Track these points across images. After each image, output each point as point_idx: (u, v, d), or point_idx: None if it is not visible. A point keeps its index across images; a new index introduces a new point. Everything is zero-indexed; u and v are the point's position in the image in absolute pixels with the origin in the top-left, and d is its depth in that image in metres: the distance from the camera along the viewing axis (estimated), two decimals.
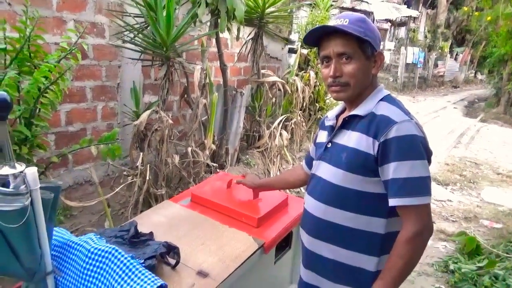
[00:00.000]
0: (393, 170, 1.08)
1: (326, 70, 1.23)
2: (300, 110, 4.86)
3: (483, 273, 2.87)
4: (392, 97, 1.25)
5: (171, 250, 1.44)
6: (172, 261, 1.45)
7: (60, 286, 1.22)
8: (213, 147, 3.25)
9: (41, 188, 1.14)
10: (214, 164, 3.20)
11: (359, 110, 1.21)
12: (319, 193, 1.24)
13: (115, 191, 2.51)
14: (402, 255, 1.08)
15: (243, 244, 1.62)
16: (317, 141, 1.39)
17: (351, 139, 1.18)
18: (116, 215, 2.91)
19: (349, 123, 1.23)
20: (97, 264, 1.15)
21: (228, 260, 1.52)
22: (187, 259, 1.50)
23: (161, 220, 1.77)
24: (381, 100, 1.22)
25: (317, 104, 5.25)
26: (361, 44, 1.19)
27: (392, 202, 1.09)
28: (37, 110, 1.94)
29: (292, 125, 4.67)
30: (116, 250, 1.16)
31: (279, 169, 4.16)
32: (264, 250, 1.64)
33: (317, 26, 1.23)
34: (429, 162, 1.17)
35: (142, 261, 1.32)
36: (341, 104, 1.38)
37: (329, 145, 1.26)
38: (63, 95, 2.59)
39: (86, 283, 1.15)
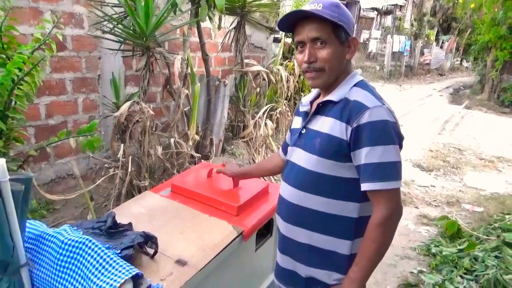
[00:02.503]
0: (365, 155, 1.10)
1: (301, 55, 1.23)
2: (285, 99, 4.87)
3: (464, 255, 2.94)
4: (366, 83, 1.26)
5: (149, 239, 1.44)
6: (151, 251, 1.46)
7: (35, 278, 1.22)
8: (197, 137, 3.24)
9: (11, 180, 1.13)
10: (198, 155, 3.20)
11: (333, 96, 1.22)
12: (294, 179, 1.25)
13: (97, 183, 2.49)
14: (374, 239, 1.10)
15: (223, 232, 1.63)
16: (292, 127, 1.40)
17: (325, 124, 1.19)
18: (99, 208, 2.89)
19: (322, 108, 1.24)
20: (71, 255, 1.15)
21: (207, 249, 1.52)
22: (166, 248, 1.50)
23: (141, 211, 1.77)
24: (354, 85, 1.23)
25: (302, 94, 5.25)
26: (335, 29, 1.19)
27: (364, 186, 1.11)
28: (12, 103, 1.91)
29: (277, 115, 4.68)
30: (90, 241, 1.16)
31: (264, 159, 4.17)
32: (243, 238, 1.65)
33: (291, 11, 1.23)
34: (401, 147, 1.18)
35: (119, 251, 1.32)
36: (315, 90, 1.38)
37: (303, 131, 1.27)
38: (41, 87, 2.55)
39: (61, 274, 1.15)
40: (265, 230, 1.92)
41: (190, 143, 3.14)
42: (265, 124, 4.25)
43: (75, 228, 1.45)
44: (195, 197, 1.86)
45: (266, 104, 4.49)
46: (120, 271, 1.12)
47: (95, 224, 1.50)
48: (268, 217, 1.85)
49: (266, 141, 4.30)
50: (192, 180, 1.99)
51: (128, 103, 2.67)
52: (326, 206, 1.17)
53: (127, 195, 2.81)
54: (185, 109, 3.29)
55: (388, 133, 1.13)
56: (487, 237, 3.17)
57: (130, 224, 1.60)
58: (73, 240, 1.16)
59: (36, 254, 1.23)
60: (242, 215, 1.77)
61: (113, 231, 1.46)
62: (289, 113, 4.89)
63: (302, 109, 1.36)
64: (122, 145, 2.58)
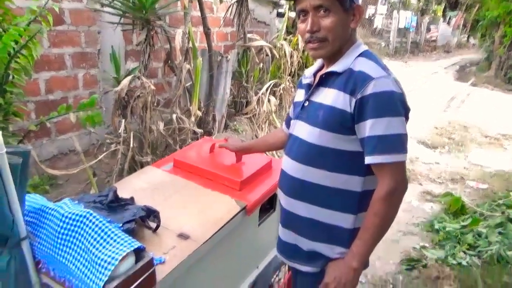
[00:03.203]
0: (369, 127, 1.06)
1: (303, 25, 1.18)
2: (289, 75, 4.79)
3: (467, 231, 2.94)
4: (371, 52, 1.21)
5: (151, 213, 1.43)
6: (153, 225, 1.45)
7: (37, 251, 1.21)
8: (199, 113, 3.21)
9: (9, 153, 1.10)
10: (200, 131, 3.17)
11: (337, 67, 1.17)
12: (296, 153, 1.21)
13: (99, 159, 2.47)
14: (377, 213, 1.07)
15: (225, 206, 1.61)
16: (295, 100, 1.36)
17: (328, 96, 1.14)
18: (102, 183, 2.89)
19: (326, 80, 1.19)
20: (72, 228, 1.13)
21: (209, 223, 1.51)
22: (168, 222, 1.49)
23: (143, 185, 1.75)
24: (359, 55, 1.18)
25: (306, 69, 5.16)
26: None
27: (368, 160, 1.08)
28: (10, 77, 1.87)
29: (281, 91, 4.61)
30: (91, 214, 1.14)
31: (267, 134, 4.13)
32: (246, 212, 1.63)
33: None
34: (407, 119, 1.14)
35: (121, 225, 1.30)
36: (319, 61, 1.33)
37: (306, 103, 1.23)
38: (40, 62, 2.51)
39: (62, 247, 1.13)
40: (268, 205, 1.91)
41: (192, 119, 3.11)
42: (268, 100, 4.20)
43: (76, 202, 1.44)
44: (197, 172, 1.84)
45: (269, 80, 4.42)
46: (122, 244, 1.11)
47: (97, 198, 1.49)
48: (271, 192, 1.83)
49: (269, 117, 4.25)
50: (195, 155, 1.96)
51: (128, 78, 2.63)
52: (329, 180, 1.14)
53: (129, 170, 2.80)
54: (187, 85, 3.24)
55: (394, 104, 1.09)
56: (491, 214, 3.16)
57: (132, 198, 1.58)
58: (73, 214, 1.15)
59: (37, 227, 1.21)
60: (245, 190, 1.74)
61: (114, 205, 1.44)
62: (293, 89, 4.82)
63: (305, 81, 1.31)
64: (124, 120, 2.55)
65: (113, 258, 1.07)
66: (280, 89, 4.60)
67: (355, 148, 1.11)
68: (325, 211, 1.16)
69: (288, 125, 1.43)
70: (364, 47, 1.20)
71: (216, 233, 1.46)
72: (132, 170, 2.83)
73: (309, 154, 1.16)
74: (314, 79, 1.28)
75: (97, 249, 1.09)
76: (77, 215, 1.15)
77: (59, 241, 1.14)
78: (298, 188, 1.20)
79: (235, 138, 1.77)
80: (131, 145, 2.58)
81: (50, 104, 2.94)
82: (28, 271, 1.21)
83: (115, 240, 1.12)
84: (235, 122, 3.99)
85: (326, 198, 1.16)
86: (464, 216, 3.22)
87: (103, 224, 1.13)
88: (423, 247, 2.88)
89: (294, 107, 1.33)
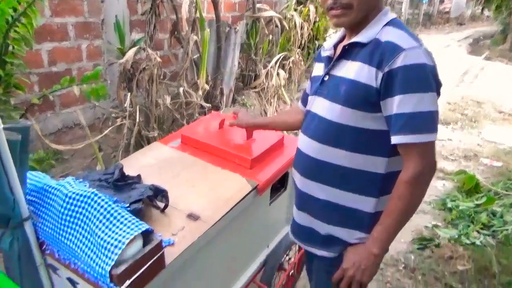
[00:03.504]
0: (397, 104, 0.96)
1: None
2: (299, 48, 4.63)
3: (481, 210, 2.87)
4: (399, 21, 1.09)
5: (159, 193, 1.36)
6: (161, 205, 1.39)
7: (40, 232, 1.15)
8: (207, 87, 3.10)
9: (7, 129, 1.03)
10: (208, 105, 3.07)
11: (361, 37, 1.06)
12: (314, 131, 1.12)
13: (104, 134, 2.40)
14: (402, 196, 0.99)
15: (236, 186, 1.54)
16: (313, 74, 1.26)
17: (351, 70, 1.04)
18: (108, 158, 2.83)
19: (349, 52, 1.08)
20: (76, 209, 1.07)
21: (220, 202, 1.45)
22: (177, 202, 1.43)
23: (150, 162, 1.68)
24: (386, 24, 1.06)
25: (316, 42, 4.99)
26: None
27: (395, 139, 0.98)
28: (10, 47, 1.77)
29: (290, 64, 4.47)
30: (96, 195, 1.07)
31: (276, 110, 4.03)
32: (257, 192, 1.57)
33: None
34: (438, 94, 1.04)
35: (127, 205, 1.24)
36: (340, 32, 1.22)
37: (326, 78, 1.13)
38: (42, 32, 2.40)
39: (66, 229, 1.07)
40: (279, 184, 1.84)
41: (200, 92, 3.01)
42: (277, 73, 4.07)
43: (81, 180, 1.37)
44: (206, 148, 1.77)
45: (279, 53, 4.27)
46: (129, 227, 1.04)
47: (102, 176, 1.42)
48: (283, 171, 1.76)
49: (278, 91, 4.13)
50: (203, 131, 1.88)
51: (133, 49, 2.52)
52: (350, 160, 1.06)
53: (135, 145, 2.73)
54: (194, 57, 3.13)
55: (426, 78, 0.99)
56: (506, 192, 3.08)
57: (138, 176, 1.52)
58: (77, 194, 1.08)
59: (40, 207, 1.16)
60: (256, 168, 1.67)
61: (120, 183, 1.37)
62: (302, 63, 4.67)
63: (324, 53, 1.20)
64: (129, 94, 2.46)
65: (119, 241, 1.01)
66: (289, 62, 4.46)
67: (379, 126, 1.02)
68: (344, 193, 1.08)
69: (304, 103, 1.33)
70: (392, 15, 1.09)
71: (226, 214, 1.40)
72: (138, 145, 2.76)
73: (328, 133, 1.07)
74: (335, 52, 1.17)
75: (103, 231, 1.03)
76: (80, 195, 1.08)
77: (62, 222, 1.08)
78: (315, 169, 1.12)
79: (246, 112, 1.67)
80: (137, 120, 2.50)
81: (54, 76, 2.84)
82: (32, 252, 1.16)
83: (121, 222, 1.05)
84: (243, 96, 3.88)
85: (346, 180, 1.08)
86: (478, 194, 3.14)
87: (109, 205, 1.07)
88: (435, 226, 2.82)
89: (312, 82, 1.23)
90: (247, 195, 1.50)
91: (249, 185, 1.54)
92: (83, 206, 1.07)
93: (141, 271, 1.05)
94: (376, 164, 1.05)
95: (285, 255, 1.97)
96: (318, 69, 1.21)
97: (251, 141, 1.79)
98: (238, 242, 1.60)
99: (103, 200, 1.07)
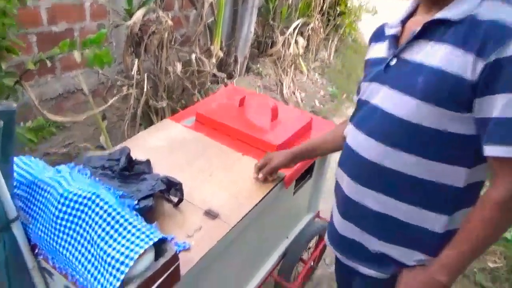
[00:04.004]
0: (502, 105, 0.72)
1: None
2: (319, 14, 4.28)
3: None
4: None
5: (173, 186, 1.16)
6: (174, 198, 1.19)
7: (31, 234, 0.96)
8: (221, 54, 2.84)
9: None
10: (223, 74, 2.82)
11: (450, 12, 0.79)
12: (374, 128, 0.89)
13: (109, 104, 2.18)
14: (489, 220, 0.77)
15: None
16: (371, 56, 1.01)
17: (435, 54, 0.79)
18: (113, 128, 2.63)
19: (431, 31, 0.82)
20: (73, 212, 0.87)
21: (241, 197, 1.25)
22: (192, 194, 1.23)
23: (160, 144, 1.47)
24: None
25: (337, 8, 4.62)
26: None
27: (490, 150, 0.75)
28: None
29: (309, 31, 4.14)
30: (98, 196, 0.87)
31: (292, 80, 3.76)
32: (284, 185, 1.37)
33: None
34: None
35: (136, 202, 1.05)
36: (408, 5, 0.96)
37: (393, 62, 0.88)
38: None
39: (61, 235, 0.88)
40: (304, 171, 1.63)
41: (213, 60, 2.75)
42: (296, 41, 3.77)
43: (82, 166, 1.17)
44: (225, 130, 1.55)
45: (298, 19, 3.94)
46: (138, 237, 0.85)
47: (106, 162, 1.22)
48: (312, 160, 1.55)
49: (296, 61, 3.85)
50: (221, 108, 1.66)
51: (142, 10, 2.24)
52: (422, 169, 0.83)
53: (143, 116, 2.52)
54: (208, 21, 2.84)
55: None
56: None
57: (148, 162, 1.32)
58: (74, 194, 0.88)
59: (31, 205, 0.96)
60: None
61: (128, 174, 1.17)
62: (322, 30, 4.34)
63: (389, 31, 0.95)
64: (136, 60, 2.21)
65: (127, 256, 0.82)
66: (308, 29, 4.12)
67: (466, 130, 0.79)
68: (408, 208, 0.87)
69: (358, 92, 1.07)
70: None
71: (249, 212, 1.21)
72: (146, 116, 2.55)
73: (396, 133, 0.84)
74: (402, 30, 0.92)
75: (106, 243, 0.84)
76: (79, 196, 0.88)
77: (57, 227, 0.89)
78: (372, 175, 0.90)
79: (275, 153, 1.36)
80: (145, 89, 2.27)
81: (54, 36, 2.58)
82: (22, 255, 0.97)
83: (129, 231, 0.86)
84: (258, 65, 3.60)
85: (413, 192, 0.86)
86: None
87: (114, 210, 0.87)
88: None
89: (369, 66, 0.97)
90: (273, 188, 1.31)
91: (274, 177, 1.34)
92: (82, 210, 0.87)
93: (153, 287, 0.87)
94: (455, 176, 0.82)
95: (306, 247, 1.79)
96: (379, 50, 0.96)
97: (276, 123, 1.57)
98: (257, 237, 1.42)
99: (106, 203, 0.87)
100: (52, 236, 0.90)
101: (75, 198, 0.88)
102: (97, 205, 0.87)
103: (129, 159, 1.27)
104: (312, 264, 1.90)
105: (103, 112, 2.65)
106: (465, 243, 0.81)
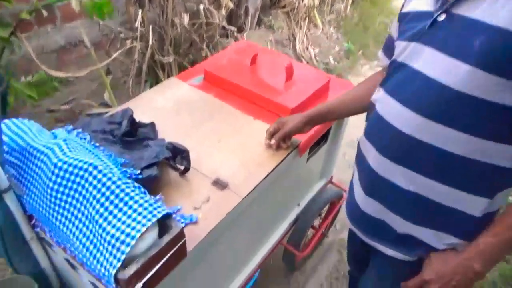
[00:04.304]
0: None
1: None
2: None
3: None
4: None
5: (179, 153, 1.08)
6: (180, 166, 1.11)
7: (27, 205, 0.89)
8: (231, 5, 2.64)
9: None
10: (232, 28, 2.64)
11: None
12: (413, 97, 0.76)
13: (112, 58, 2.05)
14: None
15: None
16: (408, 9, 0.86)
17: (499, 11, 0.65)
18: (117, 83, 2.51)
19: None
20: (68, 184, 0.79)
21: (252, 166, 1.16)
22: (200, 161, 1.15)
23: (165, 105, 1.37)
24: None
25: None
26: None
27: None
28: None
29: None
30: (95, 167, 0.79)
31: (306, 35, 3.55)
32: (298, 152, 1.27)
33: None
34: None
35: (139, 171, 0.96)
36: None
37: (442, 17, 0.74)
38: None
39: (56, 208, 0.81)
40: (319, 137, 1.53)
41: (223, 12, 2.56)
42: None
43: (80, 130, 1.08)
44: (235, 90, 1.43)
45: None
46: (140, 213, 0.77)
47: (107, 125, 1.13)
48: (329, 124, 1.44)
49: (310, 13, 3.61)
50: (231, 66, 1.53)
51: None
52: (467, 147, 0.71)
53: (148, 72, 2.39)
54: None
55: None
56: None
57: (152, 125, 1.22)
58: (69, 164, 0.79)
59: (24, 173, 0.88)
60: None
61: (130, 139, 1.08)
62: None
63: None
64: (140, 10, 2.05)
65: (128, 235, 0.75)
66: None
67: None
68: (445, 188, 0.77)
69: (390, 51, 0.93)
70: None
71: (260, 183, 1.12)
72: (151, 71, 2.42)
73: (441, 104, 0.71)
74: None
75: (105, 219, 0.76)
76: (74, 166, 0.79)
77: (52, 200, 0.81)
78: (407, 150, 0.78)
79: (290, 116, 1.22)
80: (150, 42, 2.12)
81: None
82: (18, 226, 0.91)
83: (130, 207, 0.78)
84: (270, 17, 3.37)
85: (454, 172, 0.75)
86: None
87: (113, 183, 0.79)
88: None
89: (407, 21, 0.83)
90: (286, 157, 1.21)
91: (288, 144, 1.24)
92: (78, 182, 0.79)
93: (155, 268, 0.80)
94: (504, 156, 0.71)
95: (317, 215, 1.73)
96: (420, 2, 0.81)
97: (290, 84, 1.45)
98: (267, 207, 1.35)
99: (105, 175, 0.79)
100: (47, 209, 0.83)
101: (70, 168, 0.79)
102: (94, 177, 0.78)
103: (132, 121, 1.17)
104: (323, 231, 1.85)
105: (107, 66, 2.53)
106: (509, 229, 0.72)
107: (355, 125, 2.26)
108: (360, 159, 0.94)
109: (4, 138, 0.89)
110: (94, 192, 0.78)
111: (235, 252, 1.28)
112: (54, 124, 2.12)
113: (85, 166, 0.79)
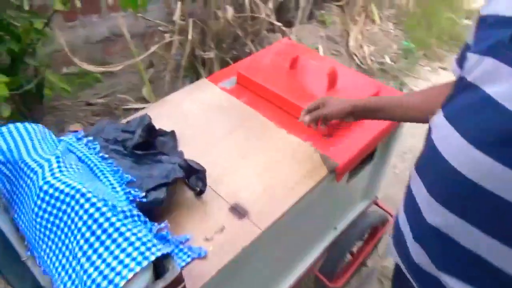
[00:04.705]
0: None
1: None
2: None
3: None
4: None
5: (193, 174, 0.94)
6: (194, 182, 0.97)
7: (18, 224, 0.80)
8: None
9: None
10: (277, 23, 2.46)
11: None
12: (481, 131, 0.55)
13: (150, 52, 1.97)
14: None
15: (305, 163, 1.07)
16: (487, 12, 0.64)
17: None
18: (157, 77, 2.43)
19: None
20: (53, 211, 0.68)
21: (279, 190, 1.00)
22: (219, 181, 1.01)
23: (191, 109, 1.24)
24: None
25: None
26: None
27: None
28: None
29: None
30: (83, 195, 0.67)
31: (361, 31, 3.28)
32: (335, 177, 1.09)
33: None
34: None
35: (144, 194, 0.84)
36: None
37: None
38: None
39: (41, 235, 0.71)
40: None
41: (270, 5, 2.39)
42: None
43: (91, 138, 0.98)
44: (269, 97, 1.27)
45: None
46: (129, 255, 0.65)
47: (120, 133, 1.01)
48: (377, 142, 1.24)
49: (367, 7, 3.33)
50: (268, 69, 1.37)
51: None
52: None
53: (188, 67, 2.29)
54: None
55: None
56: None
57: (172, 134, 1.10)
58: (56, 189, 0.68)
59: (15, 189, 0.79)
60: (337, 136, 1.17)
61: (141, 153, 0.96)
62: None
63: None
64: (179, 2, 1.94)
65: (111, 282, 0.62)
66: None
67: None
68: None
69: (462, 64, 0.72)
70: None
71: (286, 212, 0.96)
72: (192, 67, 2.32)
73: None
74: None
75: (88, 258, 0.65)
76: (61, 191, 0.68)
77: (37, 226, 0.71)
78: (462, 197, 0.59)
79: (333, 98, 1.06)
80: (190, 37, 2.01)
81: None
82: (11, 246, 0.82)
83: (119, 245, 0.65)
84: (323, 11, 3.15)
85: None
86: None
87: (101, 214, 0.66)
88: None
89: (489, 28, 0.61)
90: (319, 182, 1.04)
91: (324, 167, 1.06)
92: (64, 210, 0.68)
93: None
94: None
95: (358, 240, 1.54)
96: (504, 3, 0.60)
97: (333, 93, 1.26)
98: (295, 234, 1.18)
99: (93, 204, 0.67)
100: (34, 235, 0.73)
101: (56, 194, 0.68)
102: (81, 206, 0.67)
103: (151, 129, 1.06)
104: (362, 260, 1.65)
105: (149, 59, 2.47)
106: None
107: (410, 133, 2.01)
108: (409, 194, 0.75)
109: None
110: (80, 224, 0.66)
111: (252, 285, 1.13)
112: (91, 118, 2.09)
113: (72, 192, 0.67)
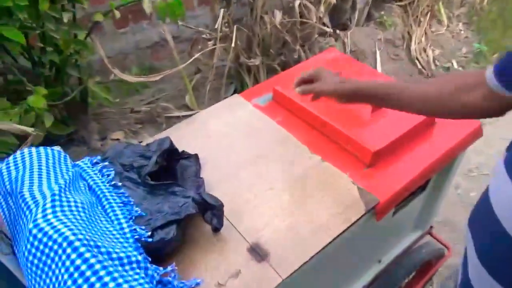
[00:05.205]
0: None
1: None
2: None
3: None
4: None
5: (209, 209, 0.85)
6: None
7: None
8: (333, 0, 2.29)
9: None
10: (327, 29, 2.30)
11: None
12: None
13: (192, 58, 1.92)
14: None
15: (340, 198, 0.94)
16: None
17: None
18: (202, 85, 2.39)
19: None
20: (43, 258, 0.62)
21: (307, 229, 0.88)
22: (240, 215, 0.91)
23: (219, 129, 1.15)
24: None
25: None
26: None
27: None
28: None
29: None
30: (70, 244, 0.60)
31: (425, 33, 3.00)
32: (375, 215, 0.94)
33: None
34: None
35: (149, 233, 0.77)
36: None
37: None
38: None
39: (29, 277, 0.65)
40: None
41: (322, 8, 2.24)
42: None
43: (107, 162, 0.93)
44: (306, 117, 1.15)
45: None
46: None
47: (138, 158, 0.95)
48: (427, 176, 1.06)
49: (434, 7, 3.03)
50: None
51: None
52: None
53: (232, 75, 2.22)
54: None
55: None
56: None
57: (196, 157, 1.02)
58: (45, 234, 0.62)
59: (14, 221, 0.74)
60: (379, 166, 1.01)
61: (153, 183, 0.88)
62: None
63: None
64: (222, 10, 1.87)
65: None
66: None
67: None
68: None
69: (505, 79, 0.54)
70: None
71: (314, 256, 0.84)
72: (237, 74, 2.24)
73: None
74: None
75: None
76: (49, 237, 0.62)
77: (28, 266, 0.65)
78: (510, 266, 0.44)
79: (327, 72, 0.91)
80: (233, 44, 1.93)
81: None
82: (14, 279, 0.79)
83: None
84: (383, 12, 2.91)
85: None
86: None
87: (89, 267, 0.59)
88: None
89: None
90: (356, 221, 0.90)
91: (361, 203, 0.92)
92: (52, 257, 0.62)
93: None
94: None
95: (406, 276, 1.36)
96: None
97: (379, 114, 1.10)
98: (326, 274, 1.05)
99: (80, 255, 0.60)
100: (25, 274, 0.68)
101: (44, 239, 0.63)
102: (68, 256, 0.60)
103: (173, 152, 0.99)
104: None
105: (196, 66, 2.44)
106: None
107: (477, 150, 1.79)
108: (465, 248, 0.60)
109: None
110: (66, 276, 0.60)
111: None
112: (133, 126, 2.09)
113: (59, 240, 0.61)
